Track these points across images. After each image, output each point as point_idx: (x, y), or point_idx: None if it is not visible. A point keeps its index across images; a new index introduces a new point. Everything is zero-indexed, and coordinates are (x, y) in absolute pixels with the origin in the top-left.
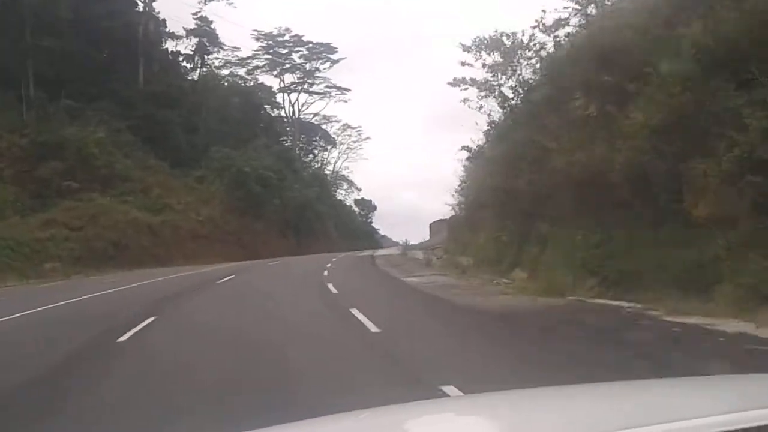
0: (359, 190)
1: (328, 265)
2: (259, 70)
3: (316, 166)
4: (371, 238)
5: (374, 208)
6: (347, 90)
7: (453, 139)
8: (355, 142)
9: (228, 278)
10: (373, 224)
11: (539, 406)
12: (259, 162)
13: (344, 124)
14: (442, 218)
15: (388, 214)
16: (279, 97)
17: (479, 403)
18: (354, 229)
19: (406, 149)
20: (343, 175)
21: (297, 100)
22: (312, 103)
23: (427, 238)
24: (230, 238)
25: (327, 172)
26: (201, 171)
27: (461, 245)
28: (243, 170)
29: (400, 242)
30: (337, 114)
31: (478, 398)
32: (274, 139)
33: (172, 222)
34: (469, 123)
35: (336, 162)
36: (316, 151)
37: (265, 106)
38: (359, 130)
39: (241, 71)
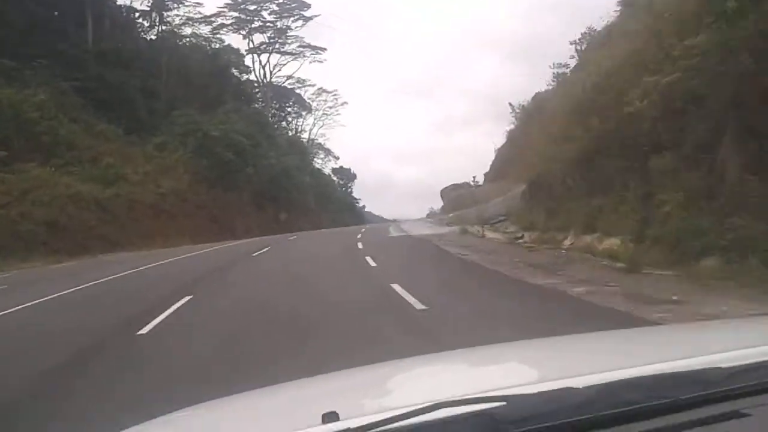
0: (337, 158)
1: (372, 265)
2: (225, 29)
3: (291, 133)
4: (353, 211)
5: (354, 177)
6: (322, 49)
7: (426, 108)
8: (331, 107)
9: (173, 310)
10: (353, 194)
11: (535, 355)
12: (228, 126)
13: (319, 88)
14: (456, 183)
15: (363, 183)
16: (248, 60)
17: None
18: (335, 200)
19: (382, 115)
20: (320, 143)
21: (268, 61)
22: (284, 64)
23: (434, 208)
24: (200, 213)
25: (303, 140)
26: (162, 137)
27: (577, 218)
28: (210, 134)
29: (391, 218)
30: (311, 78)
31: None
32: (244, 104)
33: (126, 196)
34: None
35: (311, 129)
36: (290, 118)
37: (233, 70)
38: (335, 95)
39: (206, 29)
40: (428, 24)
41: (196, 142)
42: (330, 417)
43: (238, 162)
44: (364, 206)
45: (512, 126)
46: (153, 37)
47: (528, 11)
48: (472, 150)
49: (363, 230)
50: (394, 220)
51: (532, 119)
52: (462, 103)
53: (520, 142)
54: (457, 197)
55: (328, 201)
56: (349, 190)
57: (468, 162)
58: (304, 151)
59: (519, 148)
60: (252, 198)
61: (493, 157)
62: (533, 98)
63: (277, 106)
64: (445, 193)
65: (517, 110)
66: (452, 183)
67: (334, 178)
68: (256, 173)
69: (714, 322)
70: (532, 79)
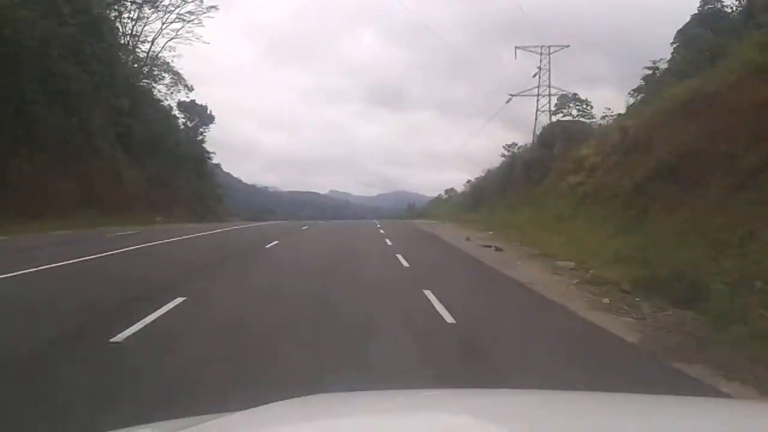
0: (190, 89)
1: None
2: None
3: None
4: (201, 169)
5: (210, 119)
6: None
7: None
8: (191, 12)
9: None
10: (205, 145)
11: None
12: None
13: None
14: None
15: (228, 142)
16: None
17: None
18: (174, 146)
19: (253, 75)
20: (167, 62)
21: None
22: None
23: None
24: None
25: (140, 51)
26: None
27: None
28: None
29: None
30: None
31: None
32: None
33: None
34: None
35: (156, 37)
36: (123, 8)
37: None
38: None
39: None
40: None
41: None
42: None
43: None
44: (218, 164)
45: None
46: None
47: None
48: (340, 125)
49: None
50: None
51: None
52: (335, 77)
53: None
54: None
55: (160, 146)
56: (201, 137)
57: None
58: (107, 24)
59: None
60: None
61: None
62: None
63: None
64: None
65: None
66: None
67: (179, 115)
68: None
69: None
70: (412, 63)
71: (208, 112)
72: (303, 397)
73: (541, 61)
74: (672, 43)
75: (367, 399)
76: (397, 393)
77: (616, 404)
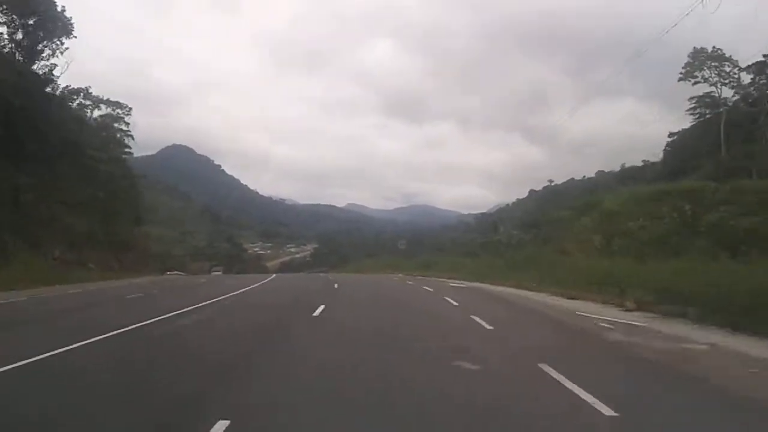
0: None
1: None
2: None
3: None
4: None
5: (65, 30)
6: None
7: (312, 87)
8: None
9: None
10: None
11: None
12: None
13: None
14: None
15: (243, 153)
16: None
17: None
18: None
19: (263, 85)
20: None
21: None
22: None
23: None
24: None
25: None
26: None
27: None
28: None
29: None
30: None
31: None
32: None
33: None
34: None
35: None
36: None
37: None
38: None
39: None
40: None
41: None
42: None
43: None
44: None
45: None
46: None
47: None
48: (359, 138)
49: None
50: None
51: None
52: (349, 88)
53: None
54: None
55: None
56: (43, 61)
57: (356, 150)
58: None
59: None
60: None
61: None
62: None
63: None
64: None
65: None
66: None
67: None
68: None
69: None
70: (430, 74)
71: (59, 10)
72: None
73: None
74: None
75: None
76: None
77: None
